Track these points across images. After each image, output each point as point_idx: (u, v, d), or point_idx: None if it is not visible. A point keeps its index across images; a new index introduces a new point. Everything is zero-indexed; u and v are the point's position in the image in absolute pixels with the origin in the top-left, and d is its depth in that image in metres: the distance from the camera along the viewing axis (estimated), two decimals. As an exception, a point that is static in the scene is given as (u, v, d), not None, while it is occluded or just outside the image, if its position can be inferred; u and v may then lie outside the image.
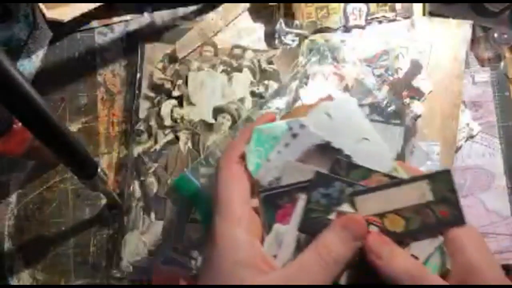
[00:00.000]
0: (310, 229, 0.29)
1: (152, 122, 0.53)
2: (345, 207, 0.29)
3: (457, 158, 0.52)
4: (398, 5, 0.54)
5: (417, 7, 0.55)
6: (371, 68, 0.53)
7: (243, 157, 0.31)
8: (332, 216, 0.29)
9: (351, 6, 0.55)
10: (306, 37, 0.55)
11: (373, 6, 0.55)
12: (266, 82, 0.54)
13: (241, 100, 0.53)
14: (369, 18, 0.54)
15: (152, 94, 0.54)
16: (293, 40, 0.55)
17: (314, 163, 0.30)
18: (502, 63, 0.55)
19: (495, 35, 0.52)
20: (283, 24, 0.55)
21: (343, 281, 0.28)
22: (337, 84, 0.53)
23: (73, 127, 0.54)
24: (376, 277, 0.27)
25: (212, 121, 0.53)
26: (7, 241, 0.52)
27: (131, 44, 0.56)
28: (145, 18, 0.57)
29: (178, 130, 0.52)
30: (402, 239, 0.28)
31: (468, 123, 0.52)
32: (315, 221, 0.29)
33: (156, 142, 0.52)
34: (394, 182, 0.29)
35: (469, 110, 0.53)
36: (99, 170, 0.40)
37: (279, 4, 0.56)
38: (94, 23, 0.57)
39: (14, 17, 0.57)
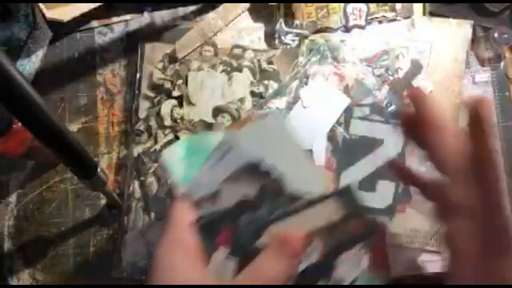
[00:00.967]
0: (240, 254, 0.28)
1: (152, 122, 0.53)
2: (268, 234, 0.29)
3: (457, 158, 0.52)
4: (398, 5, 0.54)
5: (417, 7, 0.55)
6: (371, 68, 0.53)
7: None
8: (260, 240, 0.29)
9: (351, 6, 0.55)
10: (306, 37, 0.55)
11: (373, 6, 0.55)
12: (266, 82, 0.54)
13: (241, 100, 0.53)
14: (369, 18, 0.54)
15: (152, 94, 0.54)
16: (293, 40, 0.55)
17: (246, 180, 0.30)
18: (502, 63, 0.55)
19: (495, 35, 0.52)
20: (283, 24, 0.55)
21: None
22: (337, 84, 0.53)
23: (73, 127, 0.54)
24: None
25: (212, 121, 0.52)
26: (7, 241, 0.52)
27: (131, 44, 0.56)
28: (145, 18, 0.57)
29: (178, 130, 0.52)
30: (324, 260, 0.29)
31: (468, 123, 0.52)
32: (244, 246, 0.29)
33: (156, 142, 0.52)
34: (309, 201, 0.29)
35: (469, 110, 0.53)
36: (99, 170, 0.40)
37: (279, 4, 0.56)
38: (94, 23, 0.57)
39: (14, 17, 0.57)
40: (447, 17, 0.54)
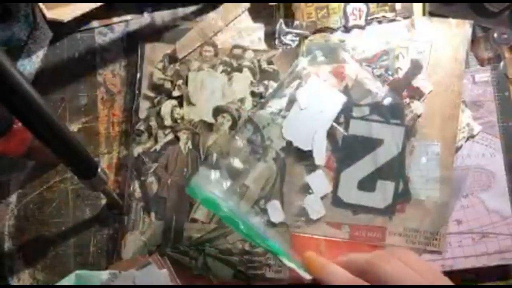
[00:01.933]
0: None
1: (152, 122, 0.53)
2: None
3: (457, 158, 0.52)
4: (398, 5, 0.54)
5: (417, 7, 0.55)
6: (371, 68, 0.53)
7: None
8: None
9: (351, 6, 0.55)
10: (306, 37, 0.55)
11: (373, 6, 0.55)
12: (266, 82, 0.54)
13: (241, 100, 0.53)
14: (369, 18, 0.54)
15: (152, 94, 0.54)
16: (293, 40, 0.55)
17: None
18: (502, 63, 0.55)
19: (495, 35, 0.52)
20: (283, 24, 0.55)
21: None
22: (337, 84, 0.53)
23: (73, 127, 0.54)
24: None
25: (212, 121, 0.53)
26: (7, 241, 0.52)
27: (131, 44, 0.56)
28: (145, 18, 0.57)
29: (178, 130, 0.52)
30: None
31: (469, 123, 0.52)
32: None
33: (156, 142, 0.52)
34: None
35: (469, 110, 0.53)
36: (99, 170, 0.40)
37: (279, 4, 0.56)
38: (94, 23, 0.57)
39: (14, 17, 0.57)
40: (447, 17, 0.54)
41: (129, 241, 0.50)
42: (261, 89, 0.53)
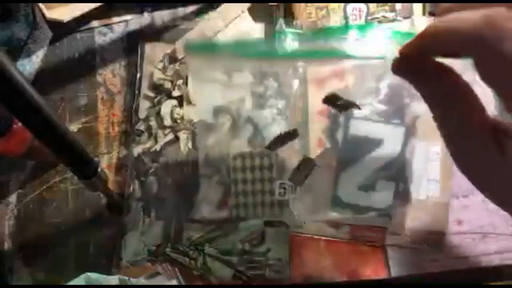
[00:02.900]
0: None
1: (152, 122, 0.53)
2: None
3: (457, 158, 0.52)
4: (398, 5, 0.54)
5: (417, 7, 0.55)
6: (371, 68, 0.53)
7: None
8: None
9: (351, 6, 0.55)
10: (306, 37, 0.54)
11: (373, 6, 0.55)
12: (266, 82, 0.54)
13: (241, 100, 0.53)
14: (369, 18, 0.54)
15: (152, 94, 0.54)
16: (293, 40, 0.55)
17: None
18: (502, 63, 0.55)
19: (495, 35, 0.52)
20: (283, 24, 0.55)
21: None
22: (337, 84, 0.53)
23: (73, 127, 0.54)
24: None
25: (212, 121, 0.53)
26: (7, 241, 0.52)
27: (131, 44, 0.56)
28: (145, 18, 0.57)
29: (178, 130, 0.52)
30: None
31: (468, 123, 0.52)
32: None
33: (156, 142, 0.52)
34: None
35: (469, 110, 0.53)
36: (99, 170, 0.40)
37: (279, 4, 0.56)
38: (94, 23, 0.57)
39: (14, 17, 0.57)
40: (447, 17, 0.54)
41: (129, 241, 0.50)
42: (261, 89, 0.53)
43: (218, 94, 0.53)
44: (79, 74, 0.56)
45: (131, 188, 0.51)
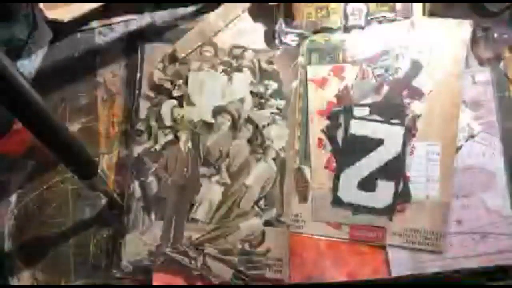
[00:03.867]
0: None
1: (152, 122, 0.53)
2: None
3: (457, 158, 0.52)
4: (398, 5, 0.54)
5: (417, 7, 0.55)
6: (371, 68, 0.53)
7: None
8: None
9: (351, 6, 0.55)
10: (306, 37, 0.55)
11: (373, 6, 0.55)
12: (266, 82, 0.54)
13: (241, 100, 0.53)
14: (369, 18, 0.54)
15: (152, 94, 0.54)
16: (293, 40, 0.55)
17: None
18: (502, 63, 0.55)
19: (495, 35, 0.52)
20: (283, 24, 0.55)
21: None
22: (337, 84, 0.53)
23: (73, 127, 0.54)
24: None
25: (212, 121, 0.52)
26: (7, 241, 0.52)
27: (131, 44, 0.56)
28: (145, 18, 0.57)
29: (178, 130, 0.52)
30: None
31: (469, 123, 0.52)
32: None
33: (156, 142, 0.52)
34: None
35: (469, 110, 0.53)
36: (99, 170, 0.40)
37: (279, 4, 0.56)
38: (94, 23, 0.57)
39: (15, 17, 0.57)
40: (447, 17, 0.54)
41: (129, 241, 0.50)
42: (261, 89, 0.53)
43: (218, 94, 0.53)
44: (79, 74, 0.56)
45: (131, 188, 0.51)
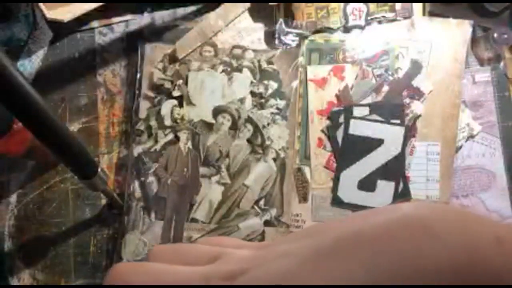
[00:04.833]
0: None
1: (152, 122, 0.53)
2: None
3: (457, 158, 0.52)
4: (398, 5, 0.54)
5: (417, 7, 0.55)
6: (371, 68, 0.53)
7: None
8: None
9: (351, 6, 0.55)
10: (306, 37, 0.55)
11: (373, 6, 0.55)
12: (266, 82, 0.54)
13: (241, 100, 0.53)
14: (368, 18, 0.54)
15: (152, 94, 0.54)
16: (293, 40, 0.55)
17: None
18: (502, 63, 0.55)
19: (495, 35, 0.52)
20: (283, 24, 0.55)
21: None
22: (337, 84, 0.53)
23: (73, 127, 0.54)
24: None
25: (212, 121, 0.53)
26: (7, 241, 0.52)
27: (131, 44, 0.56)
28: (145, 18, 0.57)
29: (178, 130, 0.52)
30: None
31: (469, 123, 0.52)
32: None
33: (156, 142, 0.52)
34: None
35: (469, 110, 0.53)
36: (99, 170, 0.40)
37: (279, 4, 0.56)
38: (94, 23, 0.57)
39: (15, 17, 0.57)
40: (447, 17, 0.54)
41: (129, 241, 0.50)
42: (261, 89, 0.53)
43: (218, 94, 0.53)
44: (79, 74, 0.56)
45: (131, 188, 0.51)
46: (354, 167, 0.51)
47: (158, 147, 0.52)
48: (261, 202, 0.50)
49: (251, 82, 0.54)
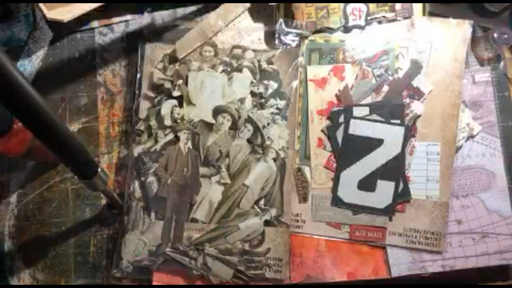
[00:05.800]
0: None
1: (152, 122, 0.53)
2: None
3: (457, 158, 0.52)
4: (398, 5, 0.54)
5: (417, 7, 0.55)
6: (371, 68, 0.53)
7: None
8: None
9: (351, 6, 0.55)
10: (306, 37, 0.55)
11: (373, 6, 0.55)
12: (266, 82, 0.54)
13: (241, 100, 0.53)
14: (369, 18, 0.55)
15: (152, 94, 0.54)
16: (293, 40, 0.55)
17: None
18: (502, 63, 0.55)
19: (495, 35, 0.52)
20: (283, 24, 0.55)
21: None
22: (337, 84, 0.53)
23: (73, 127, 0.54)
24: None
25: (212, 121, 0.53)
26: (7, 241, 0.52)
27: (131, 44, 0.56)
28: (145, 18, 0.57)
29: (178, 130, 0.52)
30: None
31: (468, 123, 0.52)
32: None
33: (156, 142, 0.52)
34: None
35: (469, 110, 0.53)
36: (99, 170, 0.40)
37: (279, 4, 0.56)
38: (94, 23, 0.57)
39: (15, 17, 0.57)
40: (447, 17, 0.54)
41: (129, 241, 0.50)
42: (261, 89, 0.53)
43: (218, 94, 0.53)
44: (79, 74, 0.56)
45: (131, 188, 0.51)
46: (354, 167, 0.51)
47: (158, 147, 0.52)
48: (261, 202, 0.50)
49: (251, 82, 0.54)
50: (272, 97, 0.53)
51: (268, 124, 0.52)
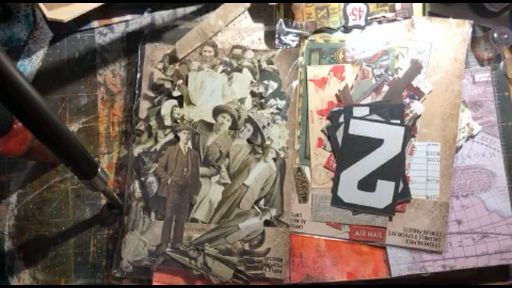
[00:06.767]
0: None
1: (152, 122, 0.53)
2: None
3: (457, 158, 0.52)
4: (398, 5, 0.55)
5: (417, 7, 0.55)
6: (371, 68, 0.53)
7: None
8: None
9: (350, 6, 0.55)
10: (306, 37, 0.55)
11: (373, 6, 0.55)
12: (266, 82, 0.54)
13: (241, 100, 0.53)
14: (369, 18, 0.55)
15: (152, 94, 0.54)
16: (293, 40, 0.55)
17: None
18: (502, 63, 0.55)
19: (495, 35, 0.52)
20: (283, 24, 0.55)
21: None
22: (337, 84, 0.53)
23: (74, 127, 0.54)
24: None
25: (212, 121, 0.53)
26: (7, 241, 0.52)
27: (131, 44, 0.56)
28: (145, 18, 0.57)
29: (178, 130, 0.52)
30: None
31: (468, 123, 0.52)
32: None
33: (156, 142, 0.52)
34: None
35: (469, 110, 0.53)
36: (99, 170, 0.40)
37: (279, 4, 0.56)
38: (95, 23, 0.57)
39: (15, 17, 0.57)
40: (447, 17, 0.54)
41: (129, 241, 0.50)
42: (261, 89, 0.53)
43: (218, 94, 0.53)
44: (79, 74, 0.56)
45: (131, 188, 0.51)
46: (354, 167, 0.51)
47: (158, 147, 0.52)
48: (261, 202, 0.50)
49: (251, 82, 0.54)
50: (272, 97, 0.53)
51: (268, 124, 0.52)
